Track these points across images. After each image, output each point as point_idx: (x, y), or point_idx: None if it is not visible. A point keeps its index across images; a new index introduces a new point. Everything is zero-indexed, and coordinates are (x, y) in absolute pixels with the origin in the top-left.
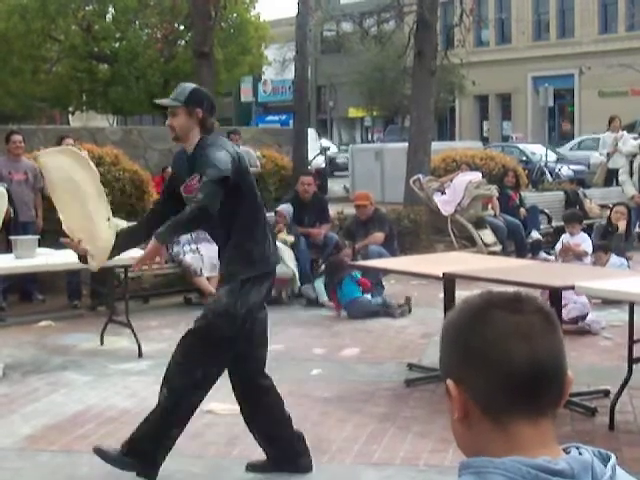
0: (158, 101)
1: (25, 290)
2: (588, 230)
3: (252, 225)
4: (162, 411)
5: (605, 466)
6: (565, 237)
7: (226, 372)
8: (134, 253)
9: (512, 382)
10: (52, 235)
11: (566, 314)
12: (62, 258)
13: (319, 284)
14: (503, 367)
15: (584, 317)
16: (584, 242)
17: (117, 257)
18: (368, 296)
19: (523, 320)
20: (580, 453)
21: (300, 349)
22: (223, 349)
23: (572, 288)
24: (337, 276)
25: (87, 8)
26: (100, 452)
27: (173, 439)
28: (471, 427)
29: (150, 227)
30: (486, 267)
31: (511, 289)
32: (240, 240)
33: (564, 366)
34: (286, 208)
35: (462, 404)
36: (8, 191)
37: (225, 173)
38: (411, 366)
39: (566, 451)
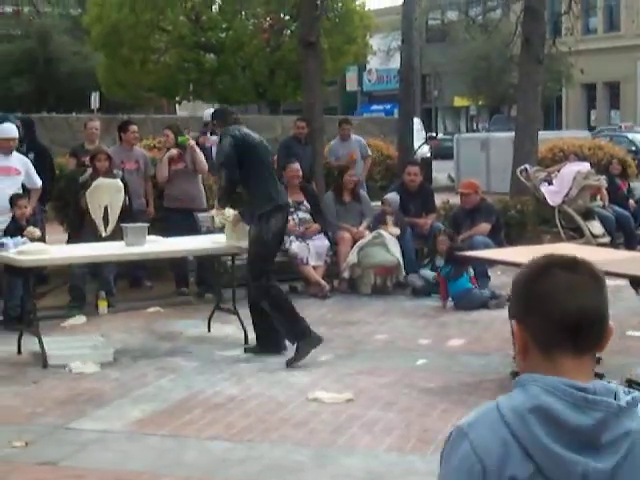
0: None
1: (134, 277)
2: None
3: (258, 179)
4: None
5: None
6: None
7: None
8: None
9: (562, 325)
10: (162, 223)
11: None
12: (171, 246)
13: (425, 271)
14: (556, 313)
15: None
16: None
17: (223, 245)
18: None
19: (577, 278)
20: (609, 382)
21: (406, 339)
22: (264, 263)
23: None
24: (459, 269)
25: None
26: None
27: None
28: (528, 359)
29: None
30: (594, 259)
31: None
32: (252, 190)
33: (606, 317)
34: (393, 197)
35: (523, 340)
36: (123, 180)
37: (221, 159)
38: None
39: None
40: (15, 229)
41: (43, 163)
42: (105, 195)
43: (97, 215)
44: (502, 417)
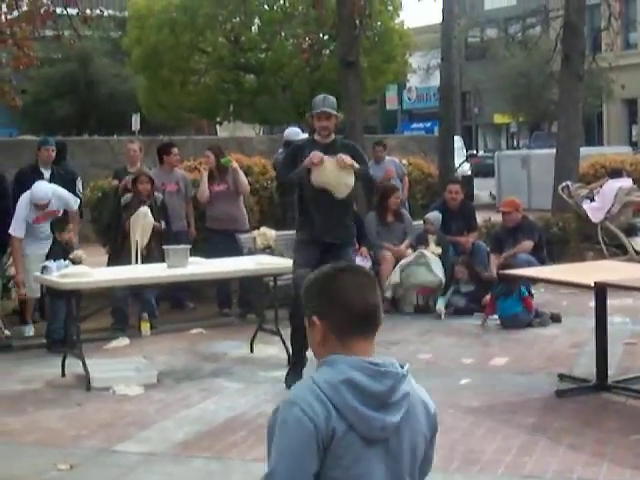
0: (329, 110)
1: (176, 298)
2: None
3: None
4: None
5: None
6: None
7: None
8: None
9: (355, 317)
10: (204, 244)
11: None
12: (213, 267)
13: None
14: (351, 307)
15: None
16: None
17: (265, 266)
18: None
19: (361, 279)
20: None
21: (449, 358)
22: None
23: None
24: (510, 288)
25: (234, 20)
26: None
27: None
28: (327, 346)
29: None
30: (638, 276)
31: None
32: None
33: (381, 307)
34: (435, 216)
35: (322, 332)
36: (163, 202)
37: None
38: (562, 376)
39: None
40: (59, 252)
41: (68, 188)
42: (140, 223)
43: (133, 247)
44: (319, 388)
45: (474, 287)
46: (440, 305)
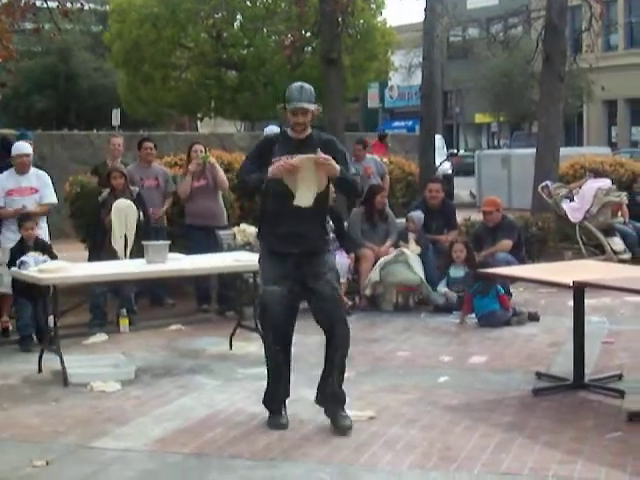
0: (306, 105)
1: (155, 294)
2: None
3: None
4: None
5: None
6: None
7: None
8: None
9: None
10: (183, 240)
11: None
12: (192, 263)
13: (442, 288)
14: None
15: None
16: None
17: (245, 263)
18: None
19: None
20: None
21: (428, 356)
22: None
23: None
24: (487, 286)
25: (216, 16)
26: None
27: None
28: None
29: None
30: (616, 276)
31: None
32: None
33: None
34: (418, 215)
35: None
36: (139, 195)
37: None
38: (539, 375)
39: None
40: (21, 250)
41: None
42: (123, 217)
43: (119, 245)
44: None
45: (465, 272)
46: (442, 287)
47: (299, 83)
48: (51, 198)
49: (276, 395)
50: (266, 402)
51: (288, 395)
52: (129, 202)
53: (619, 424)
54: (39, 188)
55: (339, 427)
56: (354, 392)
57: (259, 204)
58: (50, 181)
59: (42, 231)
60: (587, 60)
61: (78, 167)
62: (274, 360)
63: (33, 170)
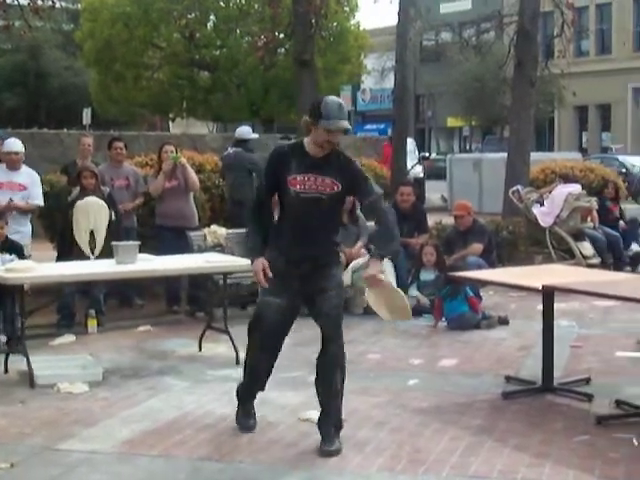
0: (347, 125)
1: (124, 295)
2: None
3: None
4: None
5: None
6: None
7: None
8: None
9: None
10: (153, 241)
11: None
12: (162, 264)
13: (413, 291)
14: None
15: None
16: None
17: (215, 264)
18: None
19: None
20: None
21: (397, 359)
22: None
23: None
24: (456, 289)
25: (189, 16)
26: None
27: None
28: None
29: None
30: (585, 280)
31: (610, 303)
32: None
33: None
34: None
35: None
36: (110, 195)
37: None
38: (508, 378)
39: None
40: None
41: None
42: (90, 215)
43: (83, 240)
44: None
45: (435, 275)
46: (413, 290)
47: (337, 99)
48: (38, 200)
49: (251, 391)
50: (239, 394)
51: (263, 389)
52: (101, 202)
53: (587, 427)
54: (28, 186)
55: (323, 451)
56: None
57: (275, 220)
58: (40, 182)
59: (25, 229)
60: (559, 66)
61: (48, 166)
62: (255, 366)
63: (25, 168)
